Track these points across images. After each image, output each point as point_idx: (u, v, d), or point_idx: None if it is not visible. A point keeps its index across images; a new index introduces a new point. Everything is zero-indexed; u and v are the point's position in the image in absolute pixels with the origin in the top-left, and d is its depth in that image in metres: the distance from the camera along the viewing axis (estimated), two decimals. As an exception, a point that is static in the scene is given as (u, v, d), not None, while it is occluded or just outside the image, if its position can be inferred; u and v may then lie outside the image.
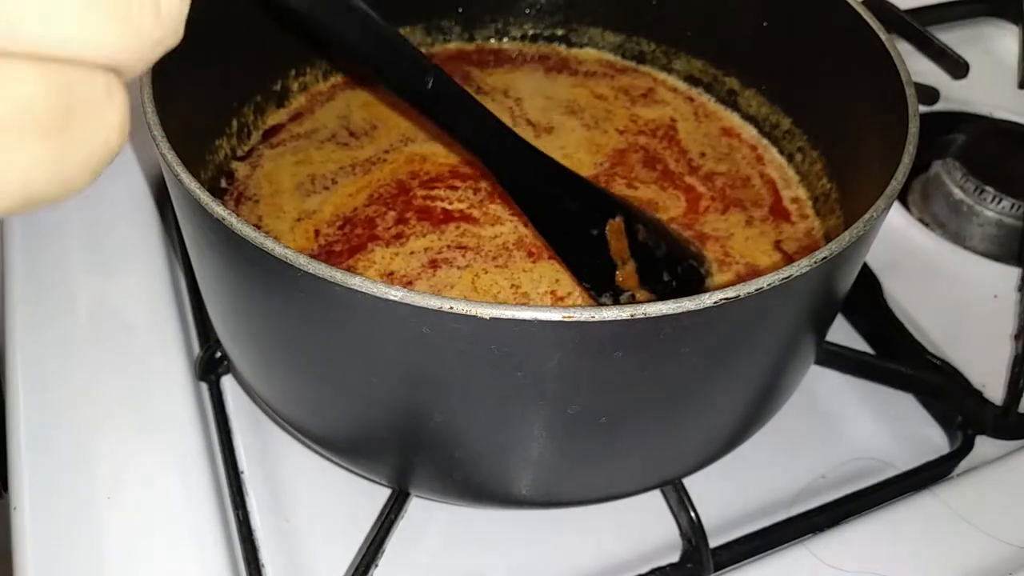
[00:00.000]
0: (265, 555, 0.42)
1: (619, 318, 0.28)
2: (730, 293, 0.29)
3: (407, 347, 0.31)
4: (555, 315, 0.28)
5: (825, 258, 0.31)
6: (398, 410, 0.35)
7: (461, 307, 0.28)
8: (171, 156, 0.34)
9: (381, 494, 0.43)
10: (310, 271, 0.29)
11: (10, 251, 0.53)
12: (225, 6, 0.44)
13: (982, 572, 0.43)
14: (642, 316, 0.28)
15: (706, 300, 0.29)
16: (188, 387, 0.48)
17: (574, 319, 0.28)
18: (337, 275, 0.29)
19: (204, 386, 0.48)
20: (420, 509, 0.44)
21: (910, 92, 0.39)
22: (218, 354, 0.48)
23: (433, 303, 0.28)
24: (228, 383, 0.49)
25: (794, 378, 0.42)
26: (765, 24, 0.51)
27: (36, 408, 0.46)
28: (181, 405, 0.47)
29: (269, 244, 0.30)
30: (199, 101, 0.46)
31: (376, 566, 0.41)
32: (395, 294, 0.28)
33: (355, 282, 0.29)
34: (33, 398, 0.47)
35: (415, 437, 0.36)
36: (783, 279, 0.30)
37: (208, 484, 0.44)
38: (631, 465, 0.39)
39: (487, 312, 0.28)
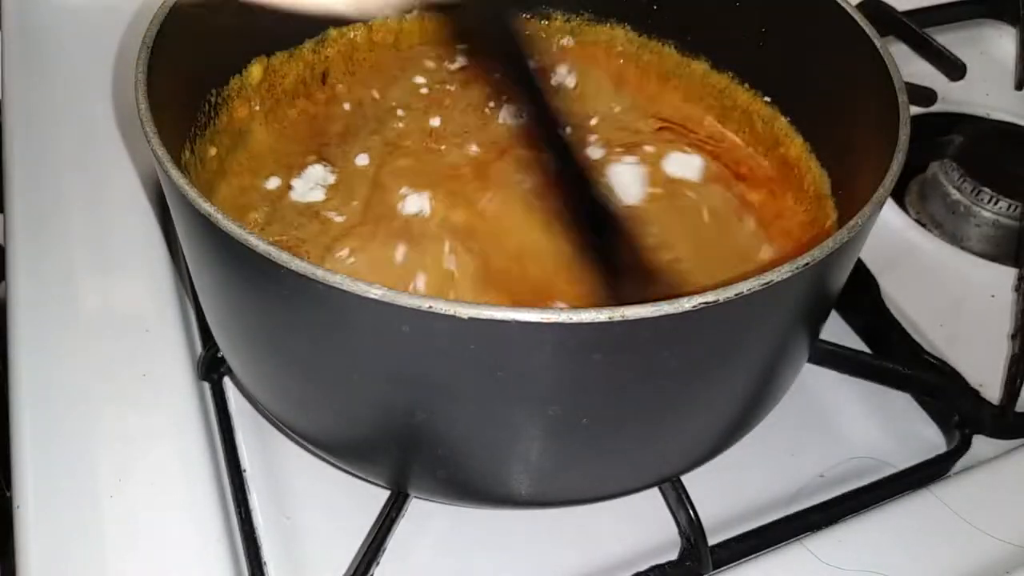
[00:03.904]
0: (267, 553, 0.42)
1: (596, 320, 0.29)
2: (709, 297, 0.29)
3: (387, 345, 0.32)
4: (533, 316, 0.28)
5: (807, 264, 0.31)
6: (382, 408, 0.36)
7: (440, 306, 0.28)
8: (161, 152, 0.34)
9: (382, 492, 0.43)
10: (292, 268, 0.29)
11: (13, 250, 0.54)
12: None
13: (979, 570, 0.43)
14: (620, 319, 0.29)
15: (684, 304, 0.29)
16: (190, 386, 0.48)
17: (552, 320, 0.28)
18: (318, 272, 0.29)
19: (206, 385, 0.49)
20: (421, 508, 0.44)
21: (902, 99, 0.40)
22: (220, 354, 0.48)
23: (412, 302, 0.28)
24: (230, 382, 0.49)
25: (784, 379, 0.42)
26: (764, 30, 0.51)
27: (39, 407, 0.47)
28: (183, 404, 0.47)
29: (252, 240, 0.30)
30: (198, 97, 0.46)
31: (377, 564, 0.41)
32: (375, 292, 0.29)
33: (336, 279, 0.29)
34: (36, 397, 0.47)
35: (401, 436, 0.37)
36: (763, 284, 0.30)
37: (210, 482, 0.45)
38: (620, 465, 0.39)
39: (465, 312, 0.28)
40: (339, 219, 0.47)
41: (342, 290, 0.29)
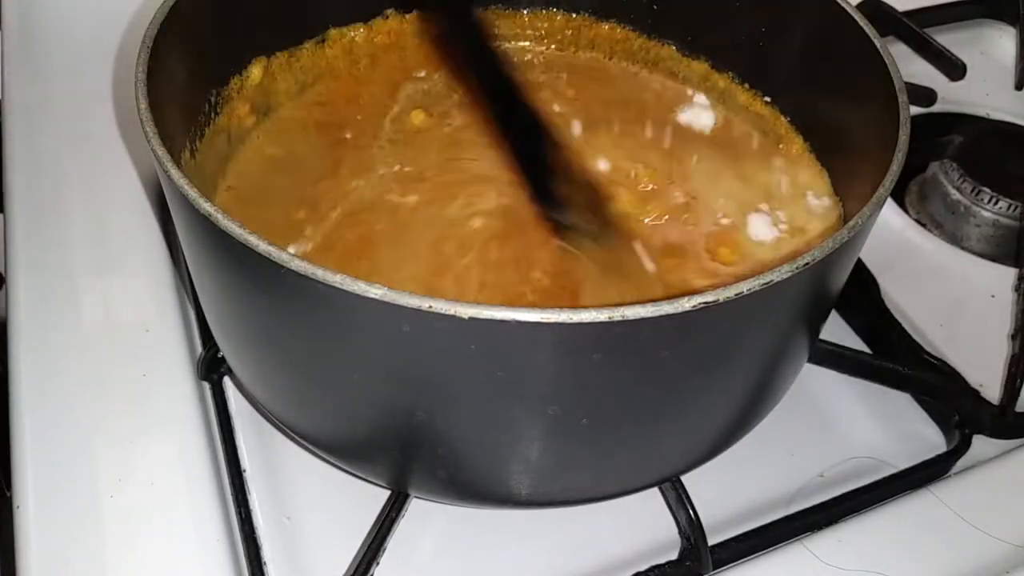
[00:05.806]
0: (267, 553, 0.42)
1: (597, 320, 0.29)
2: (708, 297, 0.29)
3: (387, 345, 0.32)
4: (533, 316, 0.28)
5: (807, 264, 0.31)
6: (382, 408, 0.36)
7: (440, 306, 0.28)
8: (161, 152, 0.34)
9: (382, 492, 0.43)
10: (292, 268, 0.29)
11: (13, 250, 0.54)
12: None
13: (979, 570, 0.43)
14: (620, 319, 0.29)
15: (684, 304, 0.29)
16: (191, 387, 0.48)
17: (552, 320, 0.28)
18: (319, 272, 0.29)
19: (206, 385, 0.49)
20: (421, 508, 0.44)
21: (902, 100, 0.40)
22: (220, 354, 0.48)
23: (412, 302, 0.28)
24: (230, 382, 0.49)
25: (784, 379, 0.42)
26: (764, 30, 0.51)
27: (39, 407, 0.47)
28: (184, 404, 0.47)
29: (253, 240, 0.30)
30: (198, 97, 0.46)
31: (377, 564, 0.41)
32: (375, 292, 0.29)
33: (336, 279, 0.29)
34: (36, 398, 0.47)
35: (401, 436, 0.37)
36: (763, 284, 0.30)
37: (210, 483, 0.45)
38: (620, 465, 0.39)
39: (466, 312, 0.28)
40: None
41: (342, 290, 0.29)
